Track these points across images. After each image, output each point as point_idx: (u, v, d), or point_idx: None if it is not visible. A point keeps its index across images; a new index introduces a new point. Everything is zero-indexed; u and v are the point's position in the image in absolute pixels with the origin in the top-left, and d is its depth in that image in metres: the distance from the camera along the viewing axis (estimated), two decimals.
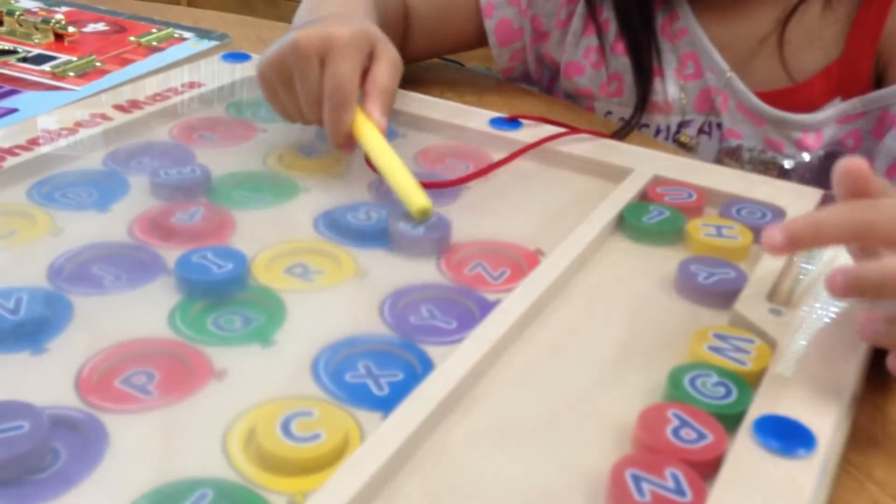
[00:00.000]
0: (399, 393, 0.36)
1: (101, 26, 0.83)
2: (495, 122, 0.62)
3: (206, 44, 0.80)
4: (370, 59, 0.53)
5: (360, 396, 0.37)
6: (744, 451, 0.33)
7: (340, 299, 0.44)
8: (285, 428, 0.34)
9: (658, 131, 0.72)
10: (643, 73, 0.71)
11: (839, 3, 0.66)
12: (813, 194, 0.53)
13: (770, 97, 0.68)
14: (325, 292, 0.44)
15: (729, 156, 0.70)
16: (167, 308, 0.42)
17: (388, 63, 0.53)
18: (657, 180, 0.55)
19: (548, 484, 0.33)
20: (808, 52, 0.67)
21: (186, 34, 0.82)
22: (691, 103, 0.71)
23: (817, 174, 0.68)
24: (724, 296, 0.44)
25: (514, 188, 0.55)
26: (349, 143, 0.52)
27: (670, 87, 0.71)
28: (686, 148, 0.71)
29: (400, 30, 0.72)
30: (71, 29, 0.78)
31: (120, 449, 0.34)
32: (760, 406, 0.36)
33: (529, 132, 0.60)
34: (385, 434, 0.33)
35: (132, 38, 0.79)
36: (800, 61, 0.67)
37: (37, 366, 0.38)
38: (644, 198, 0.54)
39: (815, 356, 0.39)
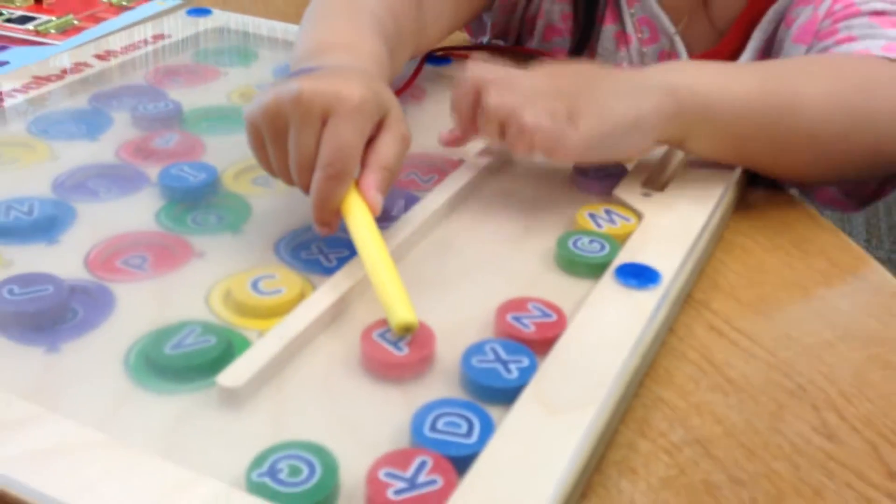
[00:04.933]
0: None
1: None
2: (429, 61, 0.71)
3: (172, 2, 0.88)
4: (377, 128, 0.46)
5: (313, 267, 0.47)
6: (607, 290, 0.44)
7: (297, 200, 0.53)
8: (255, 286, 0.44)
9: None
10: (587, 19, 0.73)
11: None
12: None
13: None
14: (285, 195, 0.54)
15: None
16: (154, 210, 0.51)
17: (397, 136, 0.46)
18: None
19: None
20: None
21: None
22: None
23: None
24: (610, 187, 0.55)
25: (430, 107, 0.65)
26: (333, 221, 0.45)
27: (636, 54, 0.73)
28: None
29: (414, 22, 0.63)
30: None
31: (124, 308, 0.43)
32: (623, 257, 0.46)
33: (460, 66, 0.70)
34: (329, 286, 0.43)
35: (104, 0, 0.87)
36: (722, 10, 0.70)
37: (52, 253, 0.47)
38: None
39: (671, 214, 0.49)
